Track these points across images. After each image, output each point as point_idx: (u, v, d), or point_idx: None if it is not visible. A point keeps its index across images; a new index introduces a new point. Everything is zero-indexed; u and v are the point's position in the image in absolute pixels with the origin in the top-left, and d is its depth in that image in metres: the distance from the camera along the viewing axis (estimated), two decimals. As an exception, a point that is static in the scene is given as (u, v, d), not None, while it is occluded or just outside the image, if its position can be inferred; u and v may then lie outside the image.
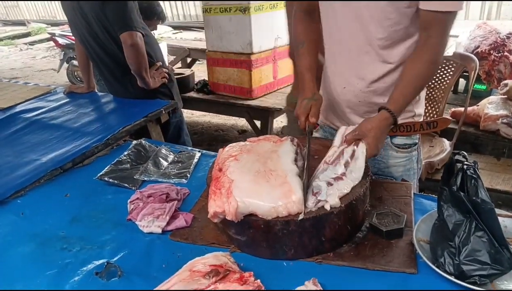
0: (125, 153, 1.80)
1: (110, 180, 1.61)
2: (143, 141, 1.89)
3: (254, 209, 1.08)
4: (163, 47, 5.19)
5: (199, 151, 1.84)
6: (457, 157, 1.06)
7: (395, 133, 1.46)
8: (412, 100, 1.36)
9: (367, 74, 1.40)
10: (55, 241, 1.30)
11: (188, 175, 1.64)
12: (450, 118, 1.91)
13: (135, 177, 1.63)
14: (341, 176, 1.17)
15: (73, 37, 2.90)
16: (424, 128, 1.47)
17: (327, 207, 1.08)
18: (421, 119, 1.50)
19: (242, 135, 4.84)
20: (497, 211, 1.02)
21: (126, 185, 1.59)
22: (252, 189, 1.12)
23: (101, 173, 1.65)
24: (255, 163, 1.23)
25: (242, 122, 4.98)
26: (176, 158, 1.79)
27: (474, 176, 1.01)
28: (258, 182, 1.14)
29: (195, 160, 1.75)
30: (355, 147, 1.23)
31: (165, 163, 1.74)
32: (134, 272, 1.14)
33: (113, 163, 1.73)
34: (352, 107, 1.48)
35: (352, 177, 1.18)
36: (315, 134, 1.67)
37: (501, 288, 0.98)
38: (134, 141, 1.89)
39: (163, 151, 1.82)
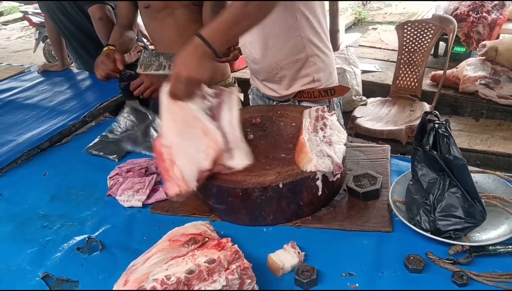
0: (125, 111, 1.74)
1: (94, 152, 1.63)
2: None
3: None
4: (139, 21, 5.03)
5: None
6: (429, 116, 1.06)
7: (300, 98, 1.65)
8: (235, 29, 1.23)
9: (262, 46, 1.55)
10: (35, 220, 1.30)
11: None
12: (347, 86, 2.00)
13: (122, 143, 1.63)
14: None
15: (45, 14, 2.79)
16: (323, 95, 1.62)
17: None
18: (322, 86, 1.64)
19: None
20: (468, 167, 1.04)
21: (109, 156, 1.59)
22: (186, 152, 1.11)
23: (90, 144, 1.67)
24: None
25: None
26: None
27: (445, 134, 1.02)
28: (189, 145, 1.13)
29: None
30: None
31: (155, 134, 1.70)
32: (115, 246, 1.15)
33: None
34: (263, 73, 1.66)
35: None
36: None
37: (474, 240, 1.02)
38: None
39: (158, 120, 1.75)
